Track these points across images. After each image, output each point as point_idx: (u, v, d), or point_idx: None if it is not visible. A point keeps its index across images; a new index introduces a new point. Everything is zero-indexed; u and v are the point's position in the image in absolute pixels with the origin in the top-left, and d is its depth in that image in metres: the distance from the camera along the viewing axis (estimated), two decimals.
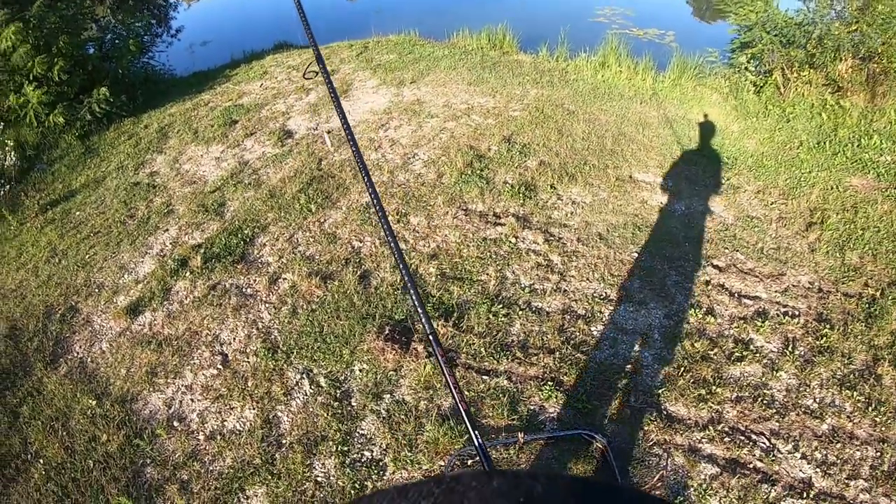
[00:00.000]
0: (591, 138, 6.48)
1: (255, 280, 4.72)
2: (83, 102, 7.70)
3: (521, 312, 4.25)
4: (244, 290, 4.65)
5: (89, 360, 4.38)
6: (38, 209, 6.37)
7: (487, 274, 4.57)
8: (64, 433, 3.84)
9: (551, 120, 6.81)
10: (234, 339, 4.23)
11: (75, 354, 4.45)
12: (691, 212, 5.36)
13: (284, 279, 4.68)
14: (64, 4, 7.84)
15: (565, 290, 4.45)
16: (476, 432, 1.81)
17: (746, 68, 7.82)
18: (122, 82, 8.28)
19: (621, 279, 4.56)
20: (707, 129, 6.86)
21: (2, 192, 6.74)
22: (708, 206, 5.44)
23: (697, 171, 5.99)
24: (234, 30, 13.03)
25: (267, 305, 4.45)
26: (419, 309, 1.97)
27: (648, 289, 4.47)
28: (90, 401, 4.00)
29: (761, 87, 7.57)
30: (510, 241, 4.88)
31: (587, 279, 4.56)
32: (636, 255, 4.80)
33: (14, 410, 4.06)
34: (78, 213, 6.21)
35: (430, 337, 1.95)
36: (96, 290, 5.02)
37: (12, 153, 7.21)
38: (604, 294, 4.43)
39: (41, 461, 3.68)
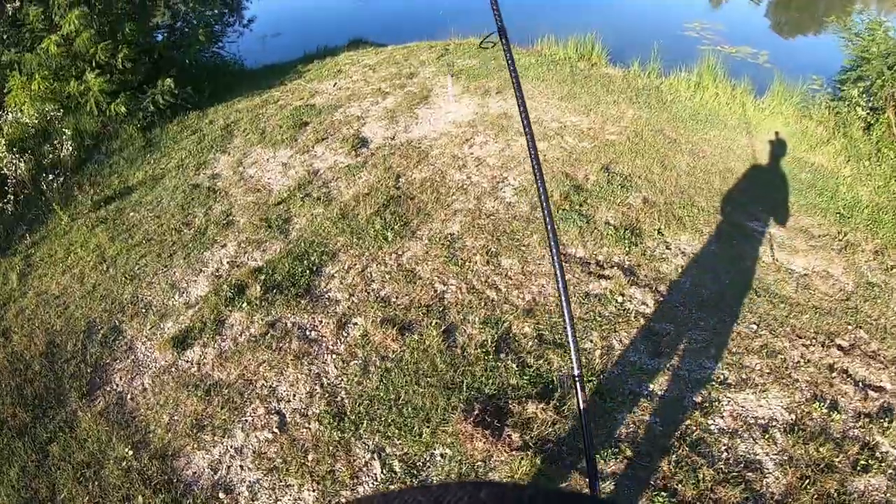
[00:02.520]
0: (696, 173, 5.65)
1: (320, 321, 4.08)
2: (147, 92, 7.23)
3: (630, 397, 3.49)
4: (308, 332, 4.02)
5: (129, 397, 3.82)
6: (92, 205, 5.91)
7: (592, 341, 3.82)
8: (95, 485, 3.30)
9: (652, 148, 6.00)
10: (294, 395, 3.60)
11: (114, 387, 3.90)
12: (809, 273, 4.50)
13: (355, 324, 4.02)
14: None
15: (678, 369, 3.68)
16: None
17: (857, 103, 6.84)
18: (189, 73, 7.81)
19: (740, 357, 3.76)
20: (816, 169, 5.93)
21: (55, 184, 6.29)
22: (826, 268, 4.57)
23: (812, 221, 5.10)
24: (308, 22, 12.57)
25: (334, 357, 3.80)
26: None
27: (769, 371, 3.67)
28: (126, 449, 3.44)
29: (871, 124, 6.60)
30: (616, 301, 4.11)
31: (703, 356, 3.77)
32: (755, 326, 3.99)
33: (44, 447, 3.54)
34: (132, 213, 5.71)
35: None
36: (143, 310, 4.47)
37: (69, 142, 6.77)
38: (722, 377, 3.64)
39: None
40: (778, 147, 6.30)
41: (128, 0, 7.29)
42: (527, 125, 1.98)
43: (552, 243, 1.70)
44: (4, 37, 7.69)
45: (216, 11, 8.45)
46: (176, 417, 3.61)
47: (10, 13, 7.43)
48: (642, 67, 8.17)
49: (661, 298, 4.16)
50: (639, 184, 5.40)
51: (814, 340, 3.88)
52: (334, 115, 7.05)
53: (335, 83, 8.01)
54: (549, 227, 1.74)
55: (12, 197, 6.08)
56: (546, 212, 1.81)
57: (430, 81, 7.65)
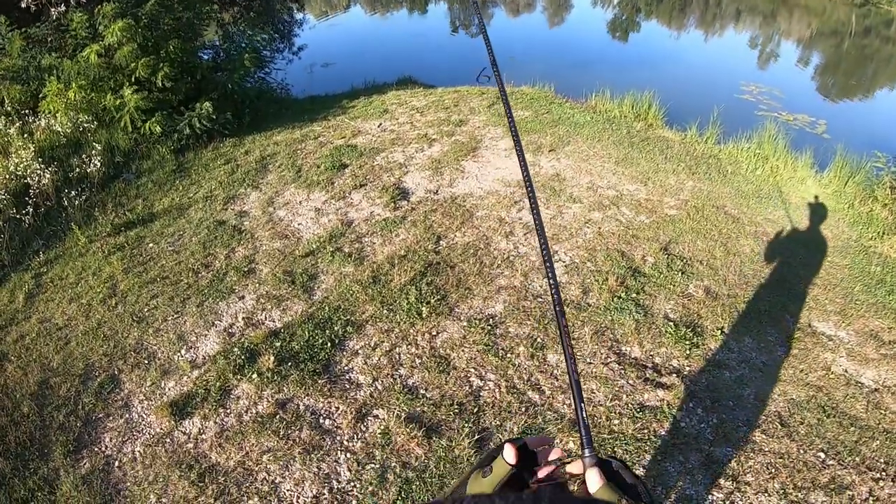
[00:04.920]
0: (760, 261, 5.13)
1: (337, 408, 3.60)
2: (185, 114, 6.94)
3: None
4: (322, 420, 3.54)
5: (116, 464, 3.39)
6: (112, 229, 5.58)
7: (644, 466, 3.29)
8: None
9: (714, 228, 5.48)
10: (298, 497, 3.11)
11: (102, 449, 3.49)
12: (880, 388, 3.92)
13: (376, 417, 3.53)
14: (182, 6, 7.14)
15: None
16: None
17: None
18: (230, 97, 7.51)
19: (805, 494, 3.18)
20: (885, 262, 5.35)
21: (77, 201, 5.98)
22: None
23: (882, 324, 4.51)
24: (358, 55, 12.32)
25: (348, 456, 3.31)
26: None
27: None
28: None
29: None
30: (672, 416, 3.58)
31: (765, 491, 3.19)
32: (822, 454, 3.41)
33: None
34: (151, 244, 5.35)
35: None
36: (145, 362, 4.06)
37: (99, 157, 6.48)
38: None
39: None
40: (844, 233, 5.77)
41: (175, 17, 7.03)
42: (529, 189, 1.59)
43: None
44: (48, 39, 7.52)
45: (266, 37, 8.18)
46: (164, 500, 3.17)
47: (54, 17, 7.25)
48: (700, 132, 7.73)
49: (724, 416, 3.62)
50: (700, 270, 4.90)
51: (884, 473, 3.32)
52: (376, 159, 6.66)
53: (380, 124, 7.65)
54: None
55: (32, 209, 5.79)
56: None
57: (480, 132, 7.25)
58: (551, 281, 1.49)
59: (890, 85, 13.59)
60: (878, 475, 3.29)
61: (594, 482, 1.08)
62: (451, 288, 4.54)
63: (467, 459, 3.22)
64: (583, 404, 1.26)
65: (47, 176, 6.16)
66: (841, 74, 14.48)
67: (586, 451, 1.15)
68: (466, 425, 3.41)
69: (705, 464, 3.32)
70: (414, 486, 3.10)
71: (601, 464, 1.12)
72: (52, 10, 7.50)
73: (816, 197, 6.41)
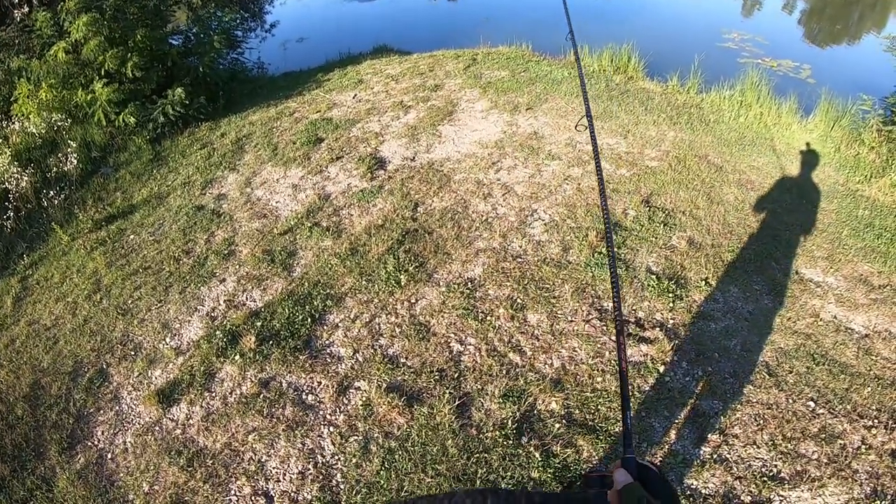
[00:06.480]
0: (744, 209, 5.03)
1: (319, 383, 3.61)
2: (158, 102, 6.87)
3: None
4: (304, 395, 3.56)
5: (109, 456, 3.44)
6: (93, 224, 5.57)
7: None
8: None
9: (697, 178, 5.40)
10: (284, 474, 3.14)
11: (95, 443, 3.53)
12: (871, 334, 3.85)
13: (357, 389, 3.54)
14: None
15: (726, 460, 3.09)
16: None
17: None
18: (203, 81, 7.41)
19: (795, 444, 3.14)
20: (873, 205, 5.23)
21: (56, 201, 5.96)
22: (888, 327, 3.90)
23: (871, 268, 4.43)
24: (332, 28, 12.11)
25: (331, 430, 3.33)
26: None
27: (826, 461, 3.06)
28: None
29: None
30: (657, 371, 3.55)
31: (754, 443, 3.16)
32: (812, 403, 3.37)
33: None
34: (132, 236, 5.34)
35: None
36: (132, 353, 4.08)
37: (75, 154, 6.44)
38: (774, 469, 3.04)
39: None
40: (830, 178, 5.66)
41: (140, 5, 6.92)
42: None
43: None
44: (17, 41, 7.42)
45: (236, 17, 8.04)
46: (156, 487, 3.21)
47: (18, 19, 7.15)
48: (681, 83, 7.58)
49: (709, 368, 3.59)
50: (683, 221, 4.83)
51: (876, 420, 3.27)
52: (352, 130, 6.59)
53: (355, 95, 7.55)
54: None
55: (13, 213, 5.77)
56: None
57: (456, 95, 7.15)
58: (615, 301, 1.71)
59: (876, 29, 13.31)
60: (871, 423, 3.24)
61: (618, 480, 1.20)
62: (429, 254, 4.51)
63: (448, 426, 3.23)
64: (629, 412, 1.51)
65: (25, 179, 6.13)
66: (826, 19, 14.17)
67: (627, 453, 1.35)
68: (447, 391, 3.42)
69: (691, 418, 3.29)
70: (397, 456, 3.12)
71: (640, 468, 1.27)
72: (16, 11, 7.40)
73: (802, 142, 6.30)
